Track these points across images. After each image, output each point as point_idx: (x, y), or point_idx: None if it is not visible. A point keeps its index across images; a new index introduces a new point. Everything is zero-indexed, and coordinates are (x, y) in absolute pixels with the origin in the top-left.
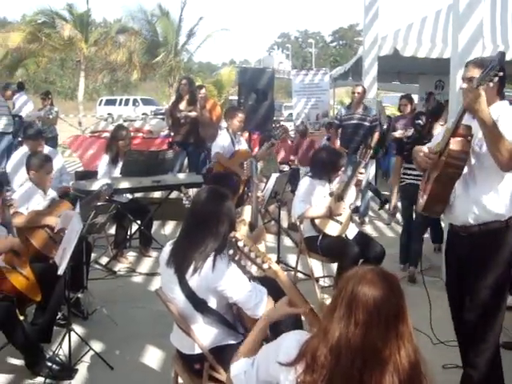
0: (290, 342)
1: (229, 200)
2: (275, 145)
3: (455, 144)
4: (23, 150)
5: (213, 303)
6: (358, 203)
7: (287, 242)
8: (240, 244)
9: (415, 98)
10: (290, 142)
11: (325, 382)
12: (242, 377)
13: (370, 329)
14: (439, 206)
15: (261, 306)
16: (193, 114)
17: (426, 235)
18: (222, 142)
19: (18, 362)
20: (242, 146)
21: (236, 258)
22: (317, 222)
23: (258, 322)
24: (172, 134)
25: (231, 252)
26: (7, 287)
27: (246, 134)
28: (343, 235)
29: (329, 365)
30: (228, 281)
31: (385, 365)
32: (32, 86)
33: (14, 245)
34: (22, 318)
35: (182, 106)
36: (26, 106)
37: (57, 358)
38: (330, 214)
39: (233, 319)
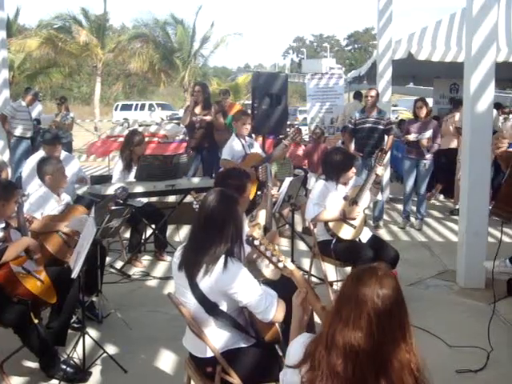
0: (297, 345)
1: (235, 201)
2: (288, 146)
3: None
4: (39, 155)
5: (224, 306)
6: (380, 197)
7: (301, 245)
8: (256, 242)
9: (430, 101)
10: (303, 146)
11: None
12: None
13: (374, 336)
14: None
15: (271, 309)
16: (207, 118)
17: (441, 239)
18: (230, 147)
19: (33, 364)
20: (255, 149)
21: (254, 256)
22: (331, 225)
23: (293, 322)
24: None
25: (248, 250)
26: (22, 291)
27: (260, 139)
28: (357, 239)
29: (338, 371)
30: (239, 284)
31: (400, 366)
32: (49, 91)
33: (29, 244)
34: (36, 321)
35: (197, 110)
36: (36, 108)
37: (71, 361)
38: (344, 218)
39: (245, 323)
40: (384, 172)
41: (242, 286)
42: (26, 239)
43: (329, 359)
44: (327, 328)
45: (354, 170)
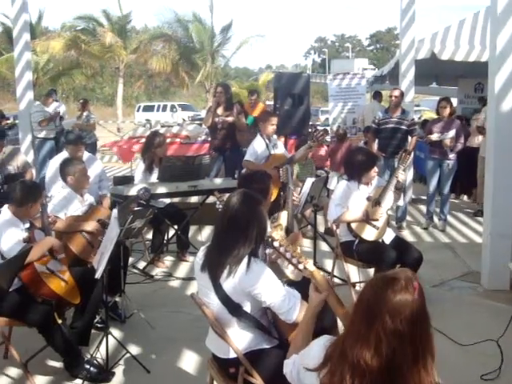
0: (317, 347)
1: (259, 203)
2: (313, 147)
3: None
4: (63, 156)
5: (247, 307)
6: (401, 203)
7: (323, 246)
8: (276, 244)
9: (454, 101)
10: (326, 147)
11: None
12: (288, 375)
13: (383, 356)
14: None
15: (295, 310)
16: (229, 118)
17: (465, 240)
18: (255, 148)
19: (57, 364)
20: (279, 150)
21: (274, 257)
22: (353, 226)
23: (304, 316)
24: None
25: (268, 251)
26: (46, 292)
27: (282, 139)
28: (380, 240)
29: (342, 378)
30: (262, 284)
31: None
32: (72, 93)
33: (53, 244)
34: (60, 321)
35: (219, 111)
36: (59, 108)
37: (94, 361)
38: (367, 219)
39: (268, 324)
40: (405, 177)
41: (265, 286)
42: (49, 239)
43: (341, 370)
44: (343, 336)
45: (376, 169)
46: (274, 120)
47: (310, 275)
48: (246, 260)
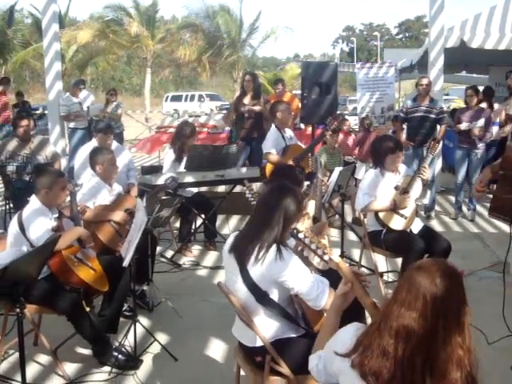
0: (347, 334)
1: (289, 193)
2: (325, 135)
3: None
4: (92, 145)
5: (275, 295)
6: (426, 201)
7: (351, 236)
8: (300, 235)
9: None
10: (353, 136)
11: (386, 371)
12: (315, 369)
13: (427, 319)
14: None
15: (323, 297)
16: (257, 108)
17: (494, 230)
18: (272, 139)
19: (86, 351)
20: (293, 140)
21: (299, 249)
22: (381, 215)
23: (330, 308)
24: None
25: (294, 243)
26: (74, 280)
27: (310, 128)
28: (408, 230)
29: (389, 352)
30: (290, 271)
31: (448, 358)
32: (101, 83)
33: (82, 234)
34: (88, 309)
35: (246, 100)
36: (89, 98)
37: (123, 349)
38: (395, 208)
39: (294, 313)
40: (428, 175)
41: (293, 273)
42: (78, 229)
43: (380, 340)
44: (381, 315)
45: (400, 155)
46: (282, 107)
47: (335, 266)
48: (275, 247)
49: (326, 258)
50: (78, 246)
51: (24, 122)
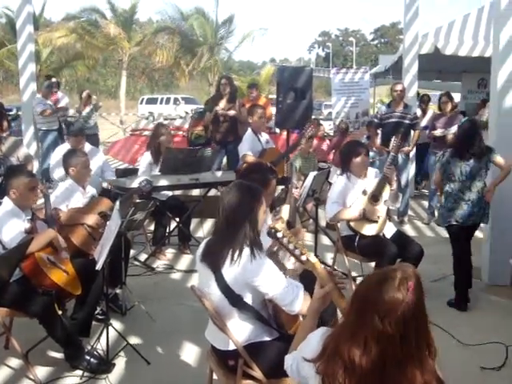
0: (315, 339)
1: (253, 193)
2: (301, 142)
3: None
4: (66, 147)
5: (248, 299)
6: (398, 205)
7: (325, 240)
8: (279, 235)
9: (457, 96)
10: (328, 141)
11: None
12: (289, 369)
13: (371, 350)
14: None
15: (297, 301)
16: (231, 112)
17: None
18: (248, 142)
19: (58, 354)
20: (270, 145)
21: (275, 249)
22: (352, 224)
23: (307, 310)
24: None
25: (269, 244)
26: (47, 283)
27: (285, 133)
28: (381, 234)
29: (335, 373)
30: (264, 276)
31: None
32: (76, 85)
33: (53, 237)
34: (60, 312)
35: (222, 104)
36: (63, 100)
37: (95, 352)
38: (364, 217)
39: (268, 316)
40: (394, 176)
41: (267, 277)
42: (50, 232)
43: (334, 366)
44: (338, 330)
45: (365, 158)
46: (260, 111)
47: (311, 267)
48: (247, 250)
49: (303, 258)
50: (50, 248)
51: None
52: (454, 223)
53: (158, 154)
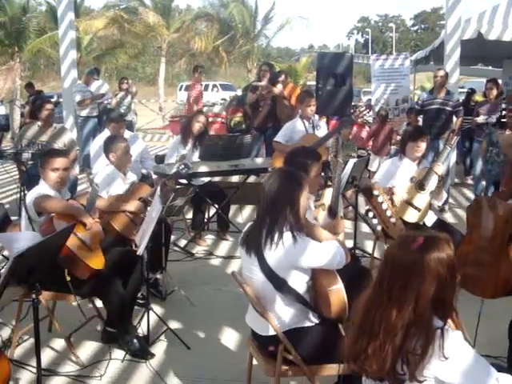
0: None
1: (292, 177)
2: (342, 127)
3: None
4: (106, 134)
5: (292, 282)
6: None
7: (364, 228)
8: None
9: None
10: (367, 128)
11: None
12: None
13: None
14: None
15: (341, 258)
16: (276, 90)
17: None
18: (290, 129)
19: (99, 338)
20: (322, 131)
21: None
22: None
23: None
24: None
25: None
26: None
27: (324, 119)
28: (421, 222)
29: None
30: (310, 255)
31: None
32: (115, 72)
33: (81, 215)
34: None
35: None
36: (103, 87)
37: (136, 336)
38: (407, 202)
39: (310, 301)
40: (443, 171)
41: (313, 255)
42: (80, 211)
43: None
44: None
45: (419, 143)
46: (312, 101)
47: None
48: (289, 234)
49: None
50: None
51: (49, 106)
52: None
53: (187, 132)
